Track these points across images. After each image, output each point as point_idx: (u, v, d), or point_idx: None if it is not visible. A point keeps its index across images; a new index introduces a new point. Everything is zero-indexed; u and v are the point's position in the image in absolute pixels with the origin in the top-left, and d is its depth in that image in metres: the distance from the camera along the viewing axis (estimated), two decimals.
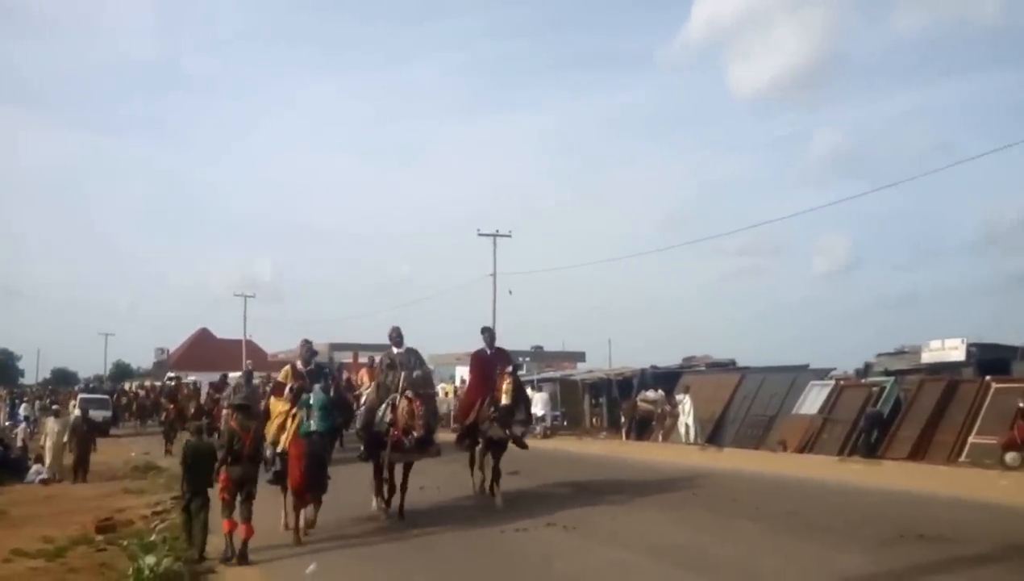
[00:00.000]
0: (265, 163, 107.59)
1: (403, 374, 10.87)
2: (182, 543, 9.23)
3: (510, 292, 38.48)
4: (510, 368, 12.06)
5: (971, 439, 16.80)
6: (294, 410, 10.22)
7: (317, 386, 10.25)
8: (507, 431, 11.75)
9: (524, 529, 9.88)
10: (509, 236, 39.58)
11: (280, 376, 11.26)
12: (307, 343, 11.76)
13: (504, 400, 11.46)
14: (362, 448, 11.51)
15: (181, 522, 9.70)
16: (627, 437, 24.65)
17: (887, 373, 21.13)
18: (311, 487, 9.76)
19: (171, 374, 40.82)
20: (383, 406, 10.94)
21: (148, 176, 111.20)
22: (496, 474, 11.99)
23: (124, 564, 8.73)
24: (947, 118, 71.75)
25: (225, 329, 65.87)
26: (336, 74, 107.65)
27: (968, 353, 20.20)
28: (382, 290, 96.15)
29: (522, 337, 46.46)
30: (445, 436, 14.56)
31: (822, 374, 22.49)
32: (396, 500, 11.15)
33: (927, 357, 21.05)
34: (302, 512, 9.92)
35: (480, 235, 39.40)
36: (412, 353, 11.54)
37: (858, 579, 7.24)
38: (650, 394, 25.23)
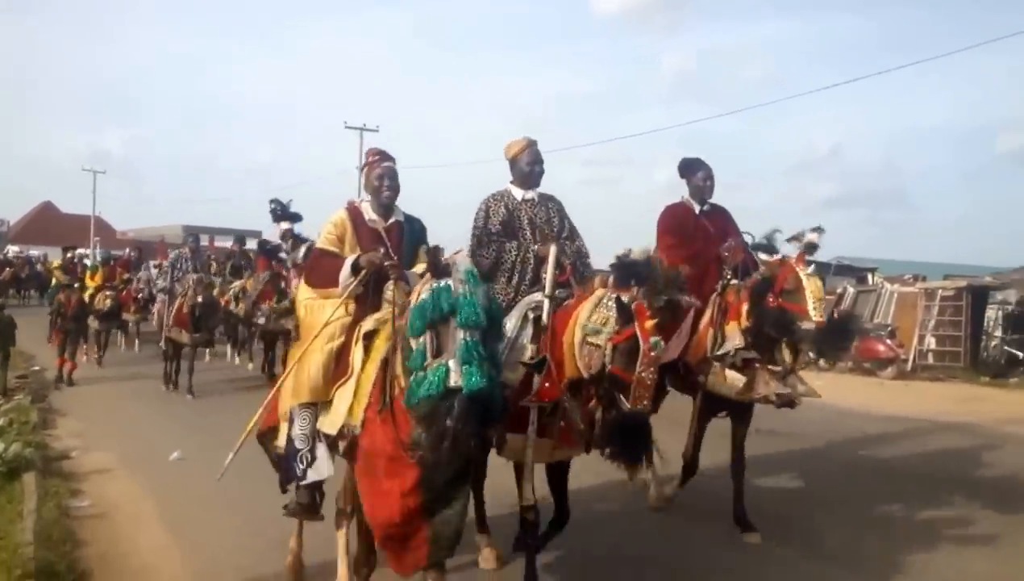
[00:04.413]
0: (115, 33, 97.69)
1: (552, 247, 4.44)
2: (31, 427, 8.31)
3: None
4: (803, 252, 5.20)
5: None
6: (378, 321, 3.90)
7: (464, 265, 3.37)
8: (794, 388, 5.16)
9: None
10: (376, 131, 37.90)
11: (321, 239, 4.41)
12: (382, 153, 4.48)
13: (814, 314, 4.81)
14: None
15: None
16: None
17: None
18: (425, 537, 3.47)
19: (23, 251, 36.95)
20: (511, 323, 4.26)
21: None
22: (738, 467, 5.57)
23: None
24: (780, 53, 74.48)
25: (71, 204, 60.48)
26: None
27: None
28: (243, 174, 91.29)
29: None
30: None
31: None
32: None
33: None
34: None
35: (347, 128, 37.70)
36: (552, 205, 5.07)
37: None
38: None
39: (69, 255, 19.59)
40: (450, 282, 3.19)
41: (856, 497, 6.61)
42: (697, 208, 5.91)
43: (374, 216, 4.40)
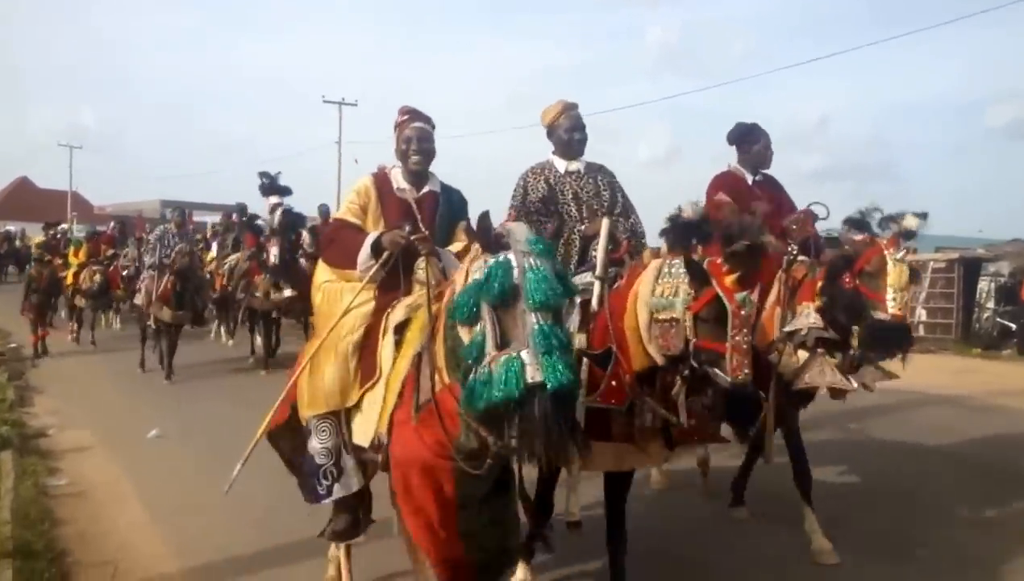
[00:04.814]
0: (92, 6, 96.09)
1: (604, 221, 3.84)
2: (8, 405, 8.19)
3: (356, 161, 37.26)
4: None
5: None
6: (409, 308, 3.31)
7: (523, 232, 2.60)
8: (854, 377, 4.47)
9: None
10: (355, 105, 37.85)
11: (342, 208, 3.86)
12: (413, 112, 3.88)
13: (892, 305, 4.12)
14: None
15: None
16: None
17: None
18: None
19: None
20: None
21: None
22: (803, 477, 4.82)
23: None
24: (766, 26, 74.40)
25: (47, 179, 60.06)
26: None
27: None
28: (221, 150, 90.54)
29: None
30: None
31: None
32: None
33: None
34: None
35: (325, 102, 37.50)
36: (602, 177, 4.58)
37: None
38: None
39: (52, 232, 19.08)
40: (509, 256, 2.50)
41: (849, 470, 6.58)
42: (750, 178, 5.27)
43: (404, 184, 3.78)
